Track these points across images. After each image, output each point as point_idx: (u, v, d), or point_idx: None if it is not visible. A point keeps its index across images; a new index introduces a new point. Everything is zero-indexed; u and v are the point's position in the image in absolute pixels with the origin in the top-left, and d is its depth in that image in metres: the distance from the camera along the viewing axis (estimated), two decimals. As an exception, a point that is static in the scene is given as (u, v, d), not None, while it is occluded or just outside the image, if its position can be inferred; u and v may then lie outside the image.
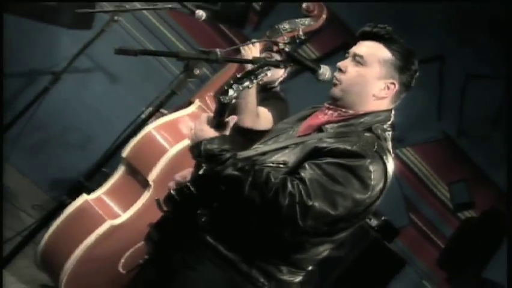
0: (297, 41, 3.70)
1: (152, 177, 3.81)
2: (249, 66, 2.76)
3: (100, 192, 3.93)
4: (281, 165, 2.49)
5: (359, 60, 2.59)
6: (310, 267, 2.64)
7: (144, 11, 5.48)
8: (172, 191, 2.59)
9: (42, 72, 5.20)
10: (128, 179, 3.99)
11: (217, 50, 2.69)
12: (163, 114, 3.98)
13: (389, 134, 2.57)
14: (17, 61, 5.37)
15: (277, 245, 2.49)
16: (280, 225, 2.41)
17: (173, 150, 3.86)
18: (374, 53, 2.58)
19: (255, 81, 2.50)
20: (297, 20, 3.78)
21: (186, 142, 3.44)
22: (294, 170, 2.45)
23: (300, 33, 3.67)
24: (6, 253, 3.29)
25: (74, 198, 3.64)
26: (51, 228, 3.80)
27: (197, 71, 2.76)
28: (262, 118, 3.73)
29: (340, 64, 2.63)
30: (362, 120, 2.56)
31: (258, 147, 2.68)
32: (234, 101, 2.46)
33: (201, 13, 4.13)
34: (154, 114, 3.16)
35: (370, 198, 2.45)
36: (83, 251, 3.74)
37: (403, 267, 5.33)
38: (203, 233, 2.54)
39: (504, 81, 5.63)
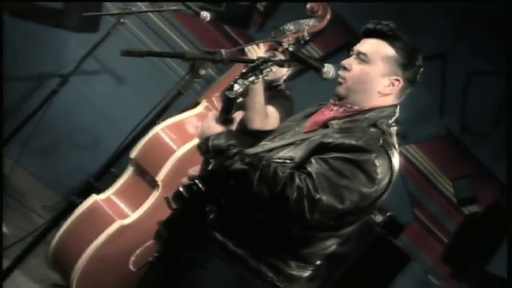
0: (302, 41, 3.69)
1: (160, 177, 3.82)
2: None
3: (109, 192, 3.94)
4: (288, 161, 2.50)
5: (363, 58, 2.59)
6: (318, 262, 2.64)
7: (149, 13, 5.50)
8: (180, 188, 2.59)
9: (50, 75, 5.23)
10: (136, 179, 4.00)
11: (222, 50, 2.69)
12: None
13: (394, 129, 2.58)
14: (26, 64, 5.42)
15: (285, 239, 2.50)
16: (288, 219, 2.41)
17: (181, 151, 3.86)
18: (377, 50, 2.59)
19: (260, 76, 2.51)
20: (301, 21, 3.75)
21: (193, 142, 3.49)
22: (300, 165, 2.44)
23: (305, 34, 3.64)
24: (18, 253, 3.31)
25: (84, 199, 3.67)
26: (62, 228, 3.82)
27: (203, 72, 2.76)
28: (271, 117, 3.73)
29: (344, 62, 2.63)
30: (367, 115, 2.56)
31: (265, 145, 2.70)
32: (240, 99, 2.46)
33: (205, 14, 4.15)
34: (161, 115, 3.16)
35: (376, 192, 2.46)
36: (94, 251, 3.75)
37: (408, 262, 5.34)
38: (211, 230, 2.55)
39: (504, 78, 5.64)
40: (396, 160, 2.51)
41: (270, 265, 2.52)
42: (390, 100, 2.62)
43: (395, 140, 2.56)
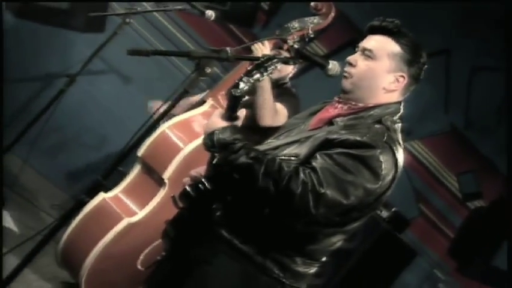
0: (306, 39, 3.69)
1: (167, 175, 3.84)
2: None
3: (117, 190, 3.96)
4: (293, 158, 2.50)
5: (368, 54, 2.59)
6: (324, 258, 2.64)
7: (155, 13, 5.52)
8: (187, 187, 2.59)
9: (57, 75, 5.25)
10: (144, 177, 4.02)
11: (228, 48, 2.70)
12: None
13: (398, 126, 2.58)
14: (33, 65, 5.45)
15: (291, 236, 2.50)
16: (293, 214, 2.40)
17: (187, 149, 3.88)
18: (383, 46, 2.59)
19: (265, 73, 2.51)
20: (306, 19, 3.77)
21: (200, 140, 3.51)
22: (305, 162, 2.44)
23: (310, 31, 3.63)
24: (28, 252, 3.33)
25: (92, 197, 3.63)
26: (70, 226, 3.84)
27: (208, 70, 2.78)
28: (280, 114, 3.75)
29: (350, 58, 2.63)
30: (371, 112, 2.57)
31: (270, 142, 2.70)
32: (245, 97, 2.47)
33: (210, 13, 4.16)
34: (167, 113, 3.14)
35: (381, 188, 2.46)
36: (102, 249, 3.78)
37: (414, 257, 5.32)
38: (218, 228, 2.56)
39: (504, 74, 5.64)
40: (400, 156, 2.51)
41: (276, 262, 2.52)
42: (395, 97, 2.63)
43: (399, 136, 2.56)
